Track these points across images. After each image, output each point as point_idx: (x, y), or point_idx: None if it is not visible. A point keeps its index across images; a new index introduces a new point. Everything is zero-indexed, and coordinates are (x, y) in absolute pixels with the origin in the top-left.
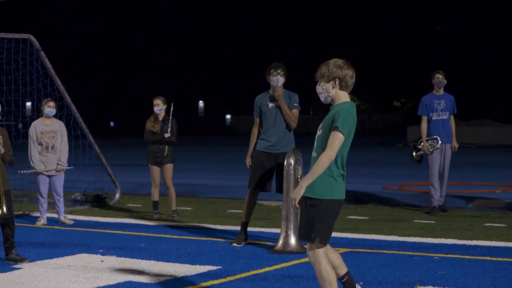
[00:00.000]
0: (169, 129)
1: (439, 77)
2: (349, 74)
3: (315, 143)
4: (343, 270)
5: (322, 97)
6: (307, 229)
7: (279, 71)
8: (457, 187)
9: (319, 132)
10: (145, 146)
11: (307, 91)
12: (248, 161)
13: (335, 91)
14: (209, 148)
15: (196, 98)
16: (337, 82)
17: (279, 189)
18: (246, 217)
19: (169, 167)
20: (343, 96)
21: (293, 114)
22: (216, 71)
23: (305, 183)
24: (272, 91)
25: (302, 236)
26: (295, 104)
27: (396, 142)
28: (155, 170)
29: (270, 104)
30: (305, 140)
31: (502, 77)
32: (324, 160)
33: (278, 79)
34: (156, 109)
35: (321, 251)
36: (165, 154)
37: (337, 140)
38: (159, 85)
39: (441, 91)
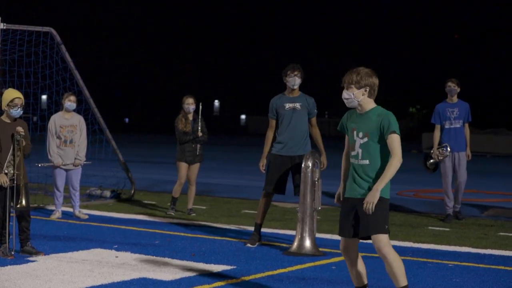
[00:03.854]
0: (199, 128)
1: (451, 85)
2: (377, 83)
3: (360, 151)
4: (365, 280)
5: (348, 103)
6: (377, 223)
7: (296, 72)
8: (471, 196)
9: (362, 140)
10: (160, 143)
11: (324, 93)
12: (261, 164)
13: (363, 98)
14: (224, 148)
15: (212, 98)
16: (367, 89)
17: (298, 192)
18: (260, 218)
19: (197, 165)
20: (371, 102)
21: (313, 123)
22: (232, 71)
23: (380, 186)
24: (288, 92)
25: (371, 231)
26: (315, 111)
27: (411, 148)
28: (184, 168)
29: (287, 105)
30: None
31: None
32: (396, 164)
33: (295, 80)
34: (190, 108)
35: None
36: (197, 153)
37: (398, 142)
38: (174, 83)
39: (455, 99)
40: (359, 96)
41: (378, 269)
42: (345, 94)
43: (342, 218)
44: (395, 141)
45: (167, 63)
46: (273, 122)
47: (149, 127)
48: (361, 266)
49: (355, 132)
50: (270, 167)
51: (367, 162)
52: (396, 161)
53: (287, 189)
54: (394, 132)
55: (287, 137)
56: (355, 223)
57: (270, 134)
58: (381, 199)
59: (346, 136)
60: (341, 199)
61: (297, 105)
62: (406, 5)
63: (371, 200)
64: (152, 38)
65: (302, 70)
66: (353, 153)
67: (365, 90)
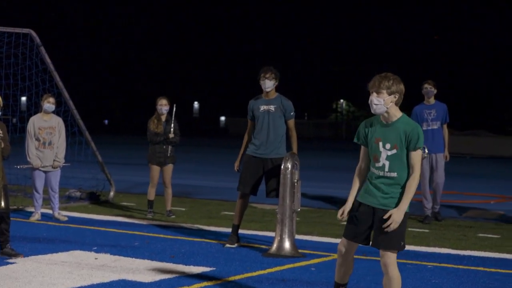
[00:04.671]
0: (172, 129)
1: (427, 87)
2: (404, 91)
3: (388, 163)
4: (347, 279)
5: (377, 108)
6: (394, 239)
7: (267, 75)
8: (451, 197)
9: (390, 152)
10: (139, 145)
11: (303, 95)
12: (236, 164)
13: (391, 105)
14: (204, 150)
15: (191, 99)
16: (396, 96)
17: (269, 194)
18: (238, 219)
19: (170, 167)
20: (397, 111)
21: (290, 126)
22: (212, 73)
23: (406, 205)
24: (264, 94)
25: (385, 246)
26: (291, 114)
27: None
28: (156, 170)
29: (262, 108)
30: (299, 144)
31: (497, 88)
32: (418, 181)
33: (265, 83)
34: (163, 109)
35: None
36: (168, 155)
37: (420, 158)
38: (154, 85)
39: (432, 101)
40: (388, 103)
41: (357, 270)
42: (375, 100)
43: (355, 223)
44: (419, 157)
45: (147, 65)
46: (250, 124)
47: (129, 129)
48: (351, 266)
49: (380, 143)
50: (243, 168)
51: (395, 174)
52: (418, 178)
53: (259, 190)
54: (420, 148)
55: (260, 139)
56: (370, 231)
57: (247, 135)
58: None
59: (363, 148)
60: (346, 215)
61: (271, 107)
62: (386, 6)
63: (398, 220)
64: (132, 40)
65: (275, 72)
66: (377, 165)
67: (394, 97)
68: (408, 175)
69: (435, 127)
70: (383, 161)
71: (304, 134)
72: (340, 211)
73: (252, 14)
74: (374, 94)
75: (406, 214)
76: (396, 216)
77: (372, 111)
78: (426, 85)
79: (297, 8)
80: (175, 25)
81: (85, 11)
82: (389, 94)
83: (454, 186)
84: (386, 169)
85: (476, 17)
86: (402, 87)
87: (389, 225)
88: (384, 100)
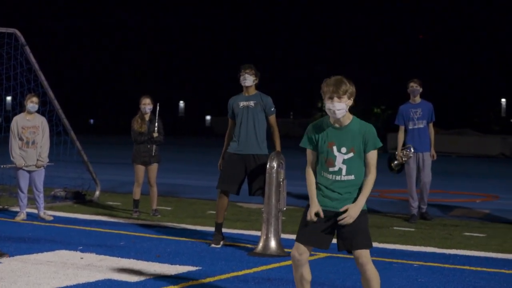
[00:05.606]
0: (156, 128)
1: (413, 86)
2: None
3: (345, 166)
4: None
5: (339, 114)
6: (364, 238)
7: (247, 71)
8: (437, 196)
9: (347, 156)
10: (125, 144)
11: (288, 94)
12: (220, 163)
13: (347, 108)
14: (189, 149)
15: (177, 99)
16: (352, 99)
17: (254, 193)
18: (220, 218)
19: (155, 166)
20: (349, 113)
21: (271, 122)
22: (197, 72)
23: (363, 202)
24: (244, 91)
25: (357, 246)
26: (272, 109)
27: None
28: (140, 169)
29: (241, 104)
30: (284, 143)
31: (482, 87)
32: (374, 180)
33: (245, 78)
34: (146, 108)
35: None
36: (153, 154)
37: (376, 158)
38: (139, 84)
39: (418, 99)
40: (346, 107)
41: (343, 269)
42: (338, 106)
43: (313, 227)
44: (375, 157)
45: (132, 64)
46: (231, 122)
47: (114, 128)
48: (309, 272)
49: (334, 147)
50: (224, 166)
51: (352, 177)
52: (374, 177)
53: (243, 190)
54: (378, 147)
55: (240, 135)
56: (329, 236)
57: (229, 134)
58: (363, 212)
59: (309, 151)
60: (322, 215)
61: (251, 103)
62: (370, 5)
63: (353, 216)
64: (118, 39)
65: (255, 70)
66: (332, 169)
67: (351, 100)
68: (365, 176)
69: (421, 126)
70: (339, 165)
71: (290, 133)
72: (312, 212)
73: (236, 14)
74: (336, 99)
75: (366, 213)
76: (352, 212)
77: (333, 117)
78: (411, 84)
79: (280, 8)
80: (161, 25)
81: (70, 11)
82: (349, 98)
83: (439, 185)
84: (343, 173)
85: (463, 16)
86: (354, 89)
87: (344, 218)
88: (346, 104)
